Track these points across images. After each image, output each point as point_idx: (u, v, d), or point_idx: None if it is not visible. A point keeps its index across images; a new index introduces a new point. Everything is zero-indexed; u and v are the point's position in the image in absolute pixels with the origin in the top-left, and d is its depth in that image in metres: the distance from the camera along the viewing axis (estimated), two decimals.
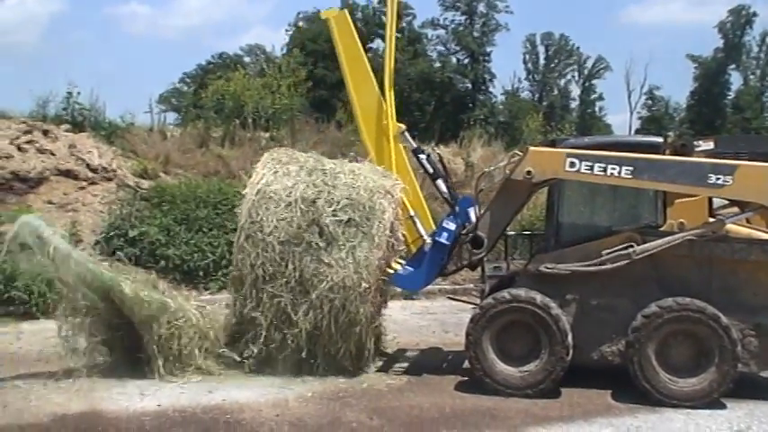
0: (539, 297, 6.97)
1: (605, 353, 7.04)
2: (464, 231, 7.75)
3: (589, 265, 7.02)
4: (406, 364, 8.36)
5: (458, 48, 50.52)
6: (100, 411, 6.46)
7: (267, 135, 18.55)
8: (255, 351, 7.56)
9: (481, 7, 51.18)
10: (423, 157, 8.72)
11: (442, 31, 51.14)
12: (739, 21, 53.55)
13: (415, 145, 8.96)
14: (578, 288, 7.12)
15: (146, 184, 14.65)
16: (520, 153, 7.77)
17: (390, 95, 8.80)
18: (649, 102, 56.95)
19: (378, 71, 9.02)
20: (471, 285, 11.81)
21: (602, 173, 6.99)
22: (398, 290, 9.62)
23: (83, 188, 14.08)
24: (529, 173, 7.17)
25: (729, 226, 7.25)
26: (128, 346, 7.64)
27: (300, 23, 45.24)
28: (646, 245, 6.93)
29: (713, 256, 6.98)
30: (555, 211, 7.74)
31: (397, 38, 9.83)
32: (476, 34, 50.50)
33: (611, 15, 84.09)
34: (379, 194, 7.83)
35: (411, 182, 8.75)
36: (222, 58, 44.76)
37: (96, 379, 7.32)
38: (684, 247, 6.95)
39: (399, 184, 8.21)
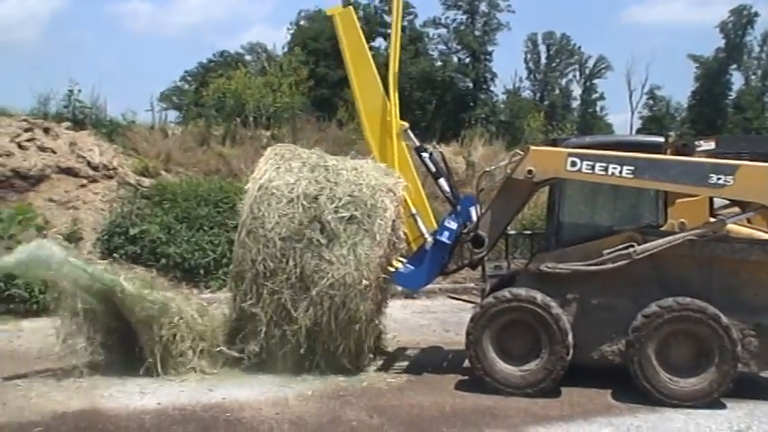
0: (539, 296, 6.97)
1: (605, 352, 7.04)
2: (465, 230, 7.74)
3: (590, 265, 7.02)
4: (406, 363, 8.36)
5: (459, 47, 50.47)
6: (100, 409, 6.47)
7: (268, 133, 18.51)
8: (255, 348, 7.56)
9: (483, 6, 51.23)
10: (425, 155, 8.69)
11: (443, 30, 51.22)
12: (741, 21, 53.51)
13: (417, 143, 8.93)
14: (579, 287, 7.12)
15: (147, 182, 14.63)
16: (521, 152, 7.76)
17: (394, 94, 8.79)
18: (650, 101, 57.04)
19: (380, 69, 9.02)
20: (472, 284, 11.78)
21: (603, 172, 6.99)
22: (399, 288, 9.61)
23: (84, 186, 14.05)
24: (530, 172, 7.17)
25: (730, 226, 7.26)
26: (127, 346, 7.64)
27: (302, 22, 45.28)
28: (646, 245, 6.93)
29: (714, 256, 6.98)
30: (556, 211, 7.73)
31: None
32: (477, 33, 50.46)
33: (613, 15, 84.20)
34: (381, 192, 7.82)
35: (413, 180, 8.73)
36: (223, 57, 44.60)
37: (97, 377, 7.33)
38: (685, 246, 6.95)
39: (402, 182, 8.20)
